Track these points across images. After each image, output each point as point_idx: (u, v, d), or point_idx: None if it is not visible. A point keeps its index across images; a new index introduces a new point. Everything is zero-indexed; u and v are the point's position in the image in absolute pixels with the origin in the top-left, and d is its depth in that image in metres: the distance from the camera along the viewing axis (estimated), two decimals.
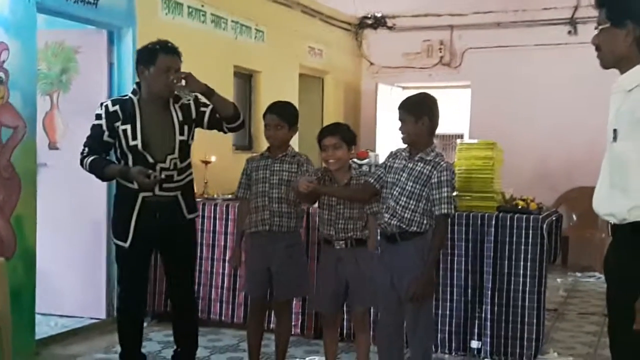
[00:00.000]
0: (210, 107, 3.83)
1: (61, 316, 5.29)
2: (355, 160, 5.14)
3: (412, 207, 3.38)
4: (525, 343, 4.57)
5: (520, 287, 4.57)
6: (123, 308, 3.95)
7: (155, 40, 3.80)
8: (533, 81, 8.61)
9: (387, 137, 8.91)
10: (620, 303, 2.33)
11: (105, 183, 5.24)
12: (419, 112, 3.41)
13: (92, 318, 5.29)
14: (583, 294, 6.87)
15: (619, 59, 2.39)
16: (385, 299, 3.52)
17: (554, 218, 4.96)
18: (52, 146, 5.43)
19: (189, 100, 3.77)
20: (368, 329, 3.95)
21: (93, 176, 5.20)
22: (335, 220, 3.73)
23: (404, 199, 3.40)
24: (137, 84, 3.83)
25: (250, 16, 7.07)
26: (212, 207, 5.25)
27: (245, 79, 7.34)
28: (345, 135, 3.76)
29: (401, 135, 3.48)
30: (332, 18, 8.88)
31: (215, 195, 5.57)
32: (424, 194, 3.38)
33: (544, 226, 4.57)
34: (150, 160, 3.69)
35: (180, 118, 3.78)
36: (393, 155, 3.56)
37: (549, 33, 8.60)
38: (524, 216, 4.62)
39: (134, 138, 3.69)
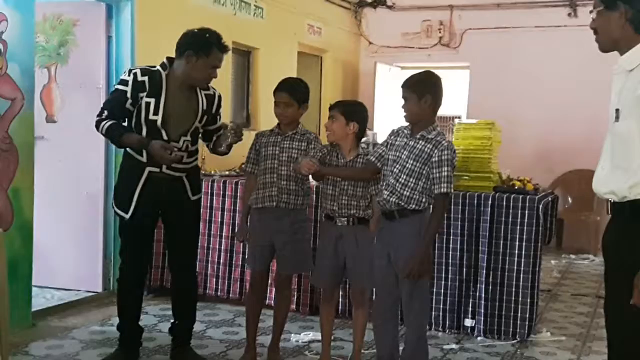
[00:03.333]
0: (219, 125, 3.92)
1: (57, 289, 5.30)
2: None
3: (412, 184, 3.39)
4: (518, 322, 4.61)
5: (515, 267, 4.60)
6: (123, 279, 3.95)
7: (207, 29, 3.75)
8: (532, 63, 8.59)
9: (385, 116, 8.91)
10: (618, 280, 2.35)
11: (102, 156, 5.30)
12: (422, 90, 3.40)
13: (88, 291, 5.31)
14: (576, 276, 6.91)
15: (616, 41, 2.40)
16: (382, 276, 3.53)
17: (550, 199, 4.97)
18: (50, 119, 5.41)
19: (228, 143, 3.83)
20: (366, 305, 3.96)
21: (91, 149, 5.28)
22: (339, 196, 3.74)
23: (404, 177, 3.40)
24: (169, 59, 3.79)
25: None
26: (210, 184, 5.25)
27: (243, 55, 7.32)
28: (344, 109, 3.75)
29: (404, 114, 3.47)
30: None
31: (212, 172, 5.57)
32: (424, 172, 3.38)
33: (540, 207, 4.59)
34: (165, 137, 3.69)
35: (204, 107, 3.82)
36: (395, 133, 3.56)
37: (548, 15, 8.57)
38: (520, 196, 4.64)
39: (155, 113, 3.68)
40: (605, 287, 2.51)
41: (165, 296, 4.87)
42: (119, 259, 3.98)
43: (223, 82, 6.55)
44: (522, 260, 4.58)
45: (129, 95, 3.69)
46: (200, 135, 3.95)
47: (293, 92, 3.89)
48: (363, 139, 5.54)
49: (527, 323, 4.61)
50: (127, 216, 3.78)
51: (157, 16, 5.62)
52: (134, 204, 3.75)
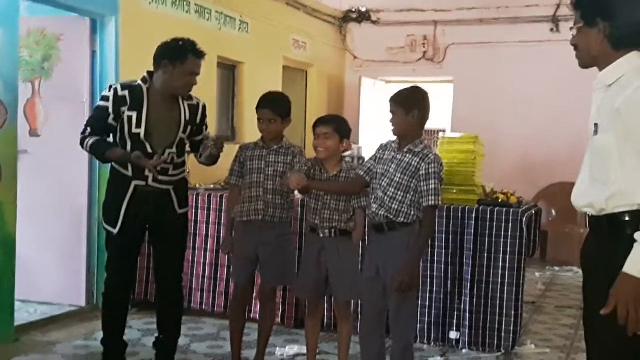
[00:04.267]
0: (203, 136, 3.90)
1: (41, 303, 5.26)
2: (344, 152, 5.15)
3: (400, 198, 3.41)
4: (503, 334, 4.62)
5: (499, 280, 4.62)
6: (108, 294, 3.92)
7: (181, 38, 3.76)
8: (515, 78, 8.68)
9: (371, 130, 8.95)
10: (595, 293, 2.37)
11: (86, 170, 5.29)
12: (410, 105, 3.43)
13: (71, 305, 5.27)
14: (561, 288, 6.95)
15: (595, 58, 2.43)
16: (370, 288, 3.54)
17: (533, 212, 5.01)
18: (33, 133, 5.39)
19: (208, 155, 3.82)
20: (350, 319, 3.97)
21: (74, 163, 5.27)
22: (321, 210, 3.75)
23: (392, 190, 3.42)
24: (149, 72, 3.79)
25: (234, 7, 7.06)
26: (194, 197, 5.24)
27: (228, 69, 7.33)
28: (338, 127, 3.78)
29: (392, 128, 3.50)
30: (316, 11, 8.89)
31: (197, 185, 5.56)
32: (412, 185, 3.41)
33: (524, 219, 4.62)
34: (149, 150, 3.69)
35: (187, 117, 3.81)
36: (383, 147, 3.59)
37: (531, 30, 8.67)
38: (504, 209, 4.67)
39: (138, 126, 3.68)
40: (584, 299, 2.53)
41: (149, 310, 4.85)
42: (105, 273, 3.96)
43: (208, 96, 6.56)
44: (507, 272, 4.61)
45: (110, 110, 3.70)
46: (188, 147, 3.95)
47: (275, 107, 3.90)
48: (347, 153, 5.58)
49: (511, 335, 4.62)
50: (115, 231, 3.78)
51: (141, 31, 5.62)
52: (121, 218, 3.75)
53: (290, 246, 4.15)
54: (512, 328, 4.62)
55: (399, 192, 3.42)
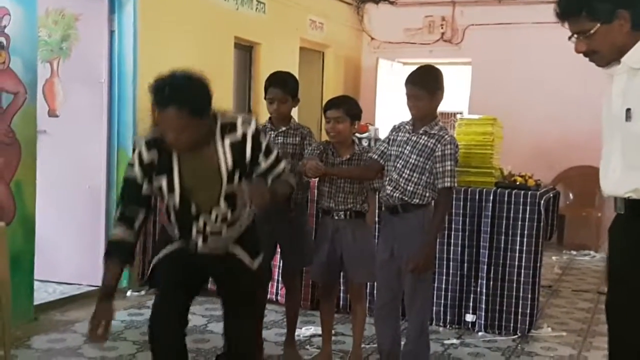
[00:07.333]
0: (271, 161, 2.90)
1: (59, 283, 5.32)
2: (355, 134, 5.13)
3: (415, 179, 3.39)
4: (519, 317, 4.62)
5: (516, 263, 4.61)
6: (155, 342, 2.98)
7: (162, 75, 2.70)
8: (534, 59, 8.59)
9: (387, 112, 8.92)
10: (630, 275, 2.33)
11: (104, 150, 5.32)
12: (433, 87, 3.38)
13: (90, 285, 5.30)
14: (578, 272, 6.92)
15: (623, 47, 2.38)
16: (384, 270, 3.54)
17: (551, 195, 4.98)
18: (52, 114, 5.42)
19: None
20: (364, 300, 3.98)
21: (93, 143, 5.30)
22: (336, 194, 3.73)
23: (407, 172, 3.41)
24: None
25: None
26: None
27: (245, 50, 7.31)
28: (349, 109, 3.73)
29: (412, 110, 3.44)
30: None
31: None
32: (427, 166, 3.38)
33: (541, 202, 4.59)
34: (194, 211, 2.86)
35: (230, 163, 2.81)
36: (396, 129, 3.55)
37: (550, 11, 8.34)
38: (522, 192, 4.64)
39: (171, 190, 2.83)
40: (611, 281, 2.49)
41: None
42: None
43: (225, 77, 6.56)
44: (524, 255, 4.59)
45: (139, 180, 2.84)
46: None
47: (286, 87, 3.84)
48: (364, 135, 5.56)
49: (528, 318, 4.62)
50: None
51: (160, 10, 5.62)
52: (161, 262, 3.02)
53: (308, 227, 4.14)
54: (528, 311, 4.61)
55: (414, 174, 3.40)
